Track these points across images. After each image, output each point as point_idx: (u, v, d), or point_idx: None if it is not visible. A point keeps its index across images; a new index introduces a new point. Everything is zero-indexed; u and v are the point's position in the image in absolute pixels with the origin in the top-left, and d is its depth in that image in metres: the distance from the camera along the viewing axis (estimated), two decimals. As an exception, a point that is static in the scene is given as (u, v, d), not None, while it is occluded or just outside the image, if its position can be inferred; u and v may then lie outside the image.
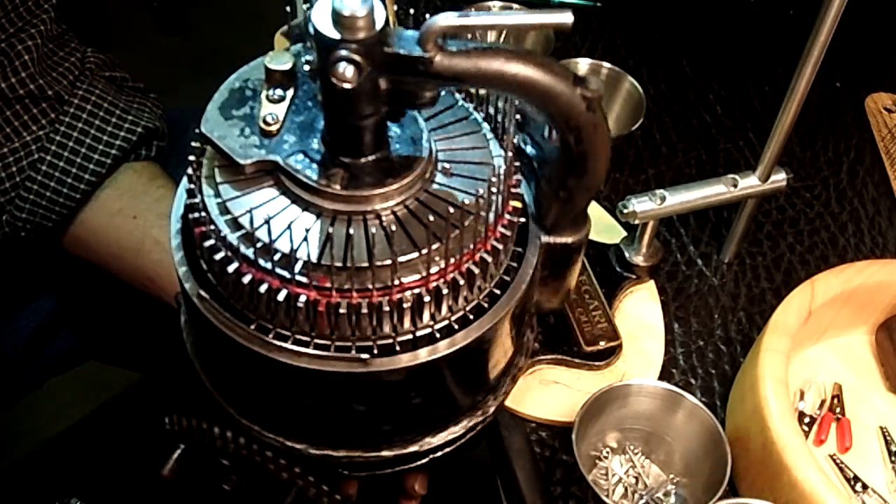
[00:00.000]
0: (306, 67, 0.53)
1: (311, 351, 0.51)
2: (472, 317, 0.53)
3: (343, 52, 0.44)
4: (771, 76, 1.02)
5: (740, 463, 0.69)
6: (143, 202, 0.81)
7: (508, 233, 0.54)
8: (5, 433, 1.40)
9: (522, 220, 0.57)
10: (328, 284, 0.49)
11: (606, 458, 0.71)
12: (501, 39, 0.96)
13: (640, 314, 0.79)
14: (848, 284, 0.74)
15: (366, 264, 0.48)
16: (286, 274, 0.49)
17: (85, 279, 0.91)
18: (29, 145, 0.76)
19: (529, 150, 0.57)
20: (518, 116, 0.55)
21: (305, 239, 0.49)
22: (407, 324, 0.51)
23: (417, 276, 0.50)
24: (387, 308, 0.50)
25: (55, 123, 0.76)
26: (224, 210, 0.51)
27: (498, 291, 0.55)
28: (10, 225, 0.78)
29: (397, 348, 0.51)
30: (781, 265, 0.86)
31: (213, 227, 0.51)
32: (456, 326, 0.53)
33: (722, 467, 0.65)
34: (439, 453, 0.60)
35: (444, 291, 0.51)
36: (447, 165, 0.54)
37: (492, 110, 0.57)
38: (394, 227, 0.50)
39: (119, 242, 0.81)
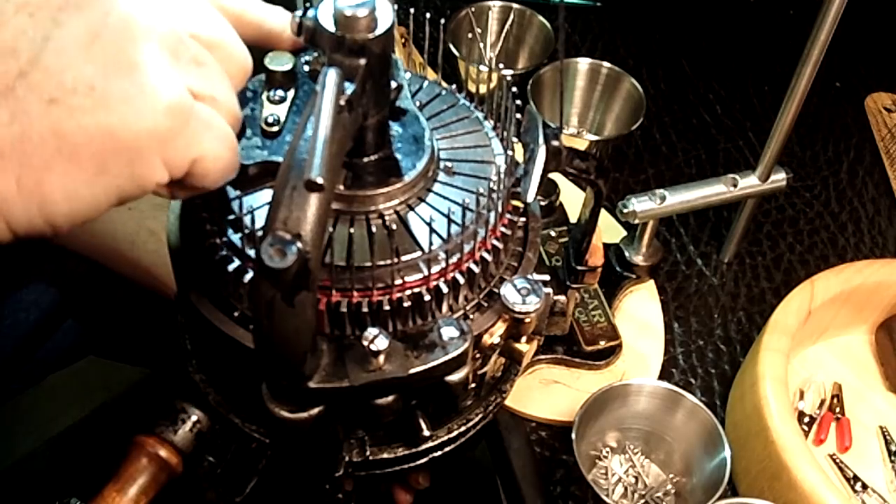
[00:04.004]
0: (306, 68, 0.53)
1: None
2: (472, 316, 0.54)
3: None
4: (771, 76, 1.02)
5: (740, 462, 0.69)
6: None
7: (509, 232, 0.54)
8: (5, 433, 1.40)
9: (523, 219, 0.57)
10: (329, 283, 0.49)
11: (606, 457, 0.71)
12: (503, 36, 0.97)
13: (639, 314, 0.79)
14: (847, 284, 0.74)
15: (368, 264, 0.48)
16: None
17: (84, 273, 0.91)
18: None
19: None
20: (518, 116, 0.56)
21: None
22: (408, 323, 0.51)
23: (419, 276, 0.50)
24: (387, 307, 0.50)
25: None
26: (226, 210, 0.51)
27: (497, 291, 0.55)
28: None
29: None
30: (781, 265, 0.86)
31: (214, 227, 0.51)
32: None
33: (721, 467, 0.65)
34: (438, 453, 0.60)
35: (445, 290, 0.51)
36: (449, 164, 0.54)
37: (493, 109, 0.57)
38: (395, 227, 0.50)
39: (114, 234, 0.81)
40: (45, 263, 0.94)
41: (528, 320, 0.52)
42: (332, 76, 0.43)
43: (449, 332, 0.50)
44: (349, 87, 0.44)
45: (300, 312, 0.41)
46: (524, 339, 0.54)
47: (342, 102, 0.43)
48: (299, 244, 0.39)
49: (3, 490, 1.25)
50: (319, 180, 0.38)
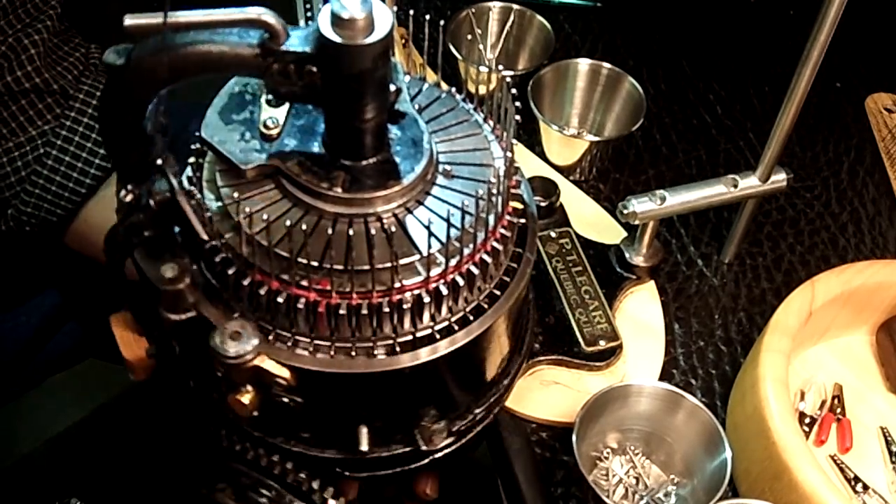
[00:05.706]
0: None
1: (310, 351, 0.51)
2: (471, 317, 0.54)
3: None
4: (771, 76, 1.02)
5: (741, 464, 0.69)
6: None
7: (508, 234, 0.54)
8: (5, 433, 1.40)
9: (522, 220, 0.57)
10: (328, 287, 0.49)
11: (607, 458, 0.71)
12: (503, 37, 0.96)
13: (640, 315, 0.79)
14: (848, 285, 0.74)
15: (366, 267, 0.48)
16: (286, 276, 0.49)
17: (88, 275, 0.91)
18: (35, 139, 0.76)
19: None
20: (518, 117, 0.55)
21: (306, 242, 0.49)
22: (407, 325, 0.51)
23: (418, 278, 0.50)
24: (387, 309, 0.50)
25: (60, 118, 0.76)
26: (225, 214, 0.51)
27: (498, 292, 0.55)
28: (14, 219, 0.79)
29: (397, 349, 0.51)
30: (782, 265, 0.86)
31: (214, 230, 0.51)
32: (456, 327, 0.53)
33: (722, 468, 0.65)
34: (440, 454, 0.60)
35: (444, 293, 0.51)
36: (448, 167, 0.54)
37: (493, 110, 0.57)
38: (394, 229, 0.50)
39: None
40: (46, 268, 0.95)
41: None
42: None
43: None
44: None
45: None
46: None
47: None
48: None
49: (3, 490, 1.25)
50: None
